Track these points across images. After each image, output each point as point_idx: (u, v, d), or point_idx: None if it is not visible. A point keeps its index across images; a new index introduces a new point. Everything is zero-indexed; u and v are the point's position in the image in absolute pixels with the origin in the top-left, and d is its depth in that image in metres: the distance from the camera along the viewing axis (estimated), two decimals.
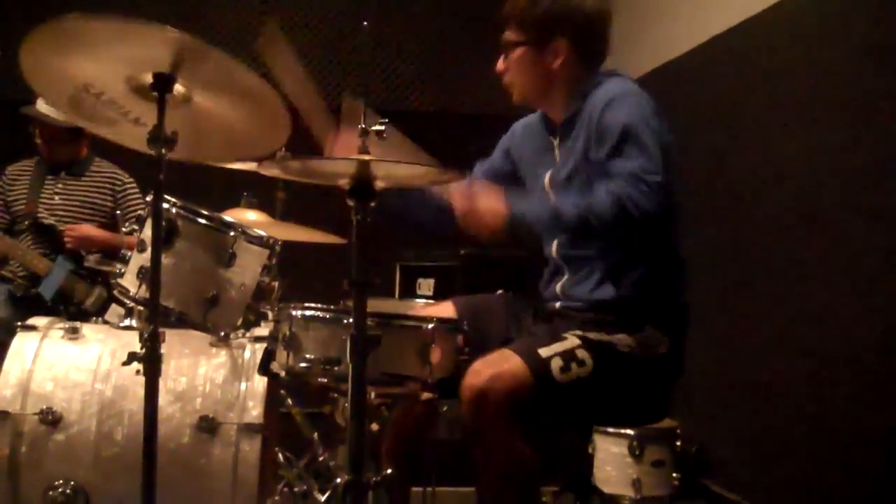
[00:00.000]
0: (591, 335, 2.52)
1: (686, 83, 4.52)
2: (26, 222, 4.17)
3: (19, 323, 2.89)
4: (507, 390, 2.38)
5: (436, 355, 2.39)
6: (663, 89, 4.56)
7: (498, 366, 2.41)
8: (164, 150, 2.29)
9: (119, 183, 4.28)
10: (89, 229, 4.14)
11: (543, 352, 2.46)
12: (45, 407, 2.71)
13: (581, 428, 2.88)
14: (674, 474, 4.31)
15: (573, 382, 2.46)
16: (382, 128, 2.23)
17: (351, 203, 2.18)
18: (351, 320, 2.18)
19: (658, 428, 4.19)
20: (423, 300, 2.77)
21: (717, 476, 4.26)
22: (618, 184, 2.41)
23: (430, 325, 2.40)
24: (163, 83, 2.27)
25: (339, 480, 2.22)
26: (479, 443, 2.41)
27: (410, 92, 5.59)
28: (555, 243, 2.74)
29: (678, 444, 4.34)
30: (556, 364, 2.45)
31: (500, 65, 2.77)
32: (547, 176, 2.74)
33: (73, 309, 3.96)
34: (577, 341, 2.50)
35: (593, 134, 2.56)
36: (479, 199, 2.53)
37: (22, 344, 2.81)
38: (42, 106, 4.06)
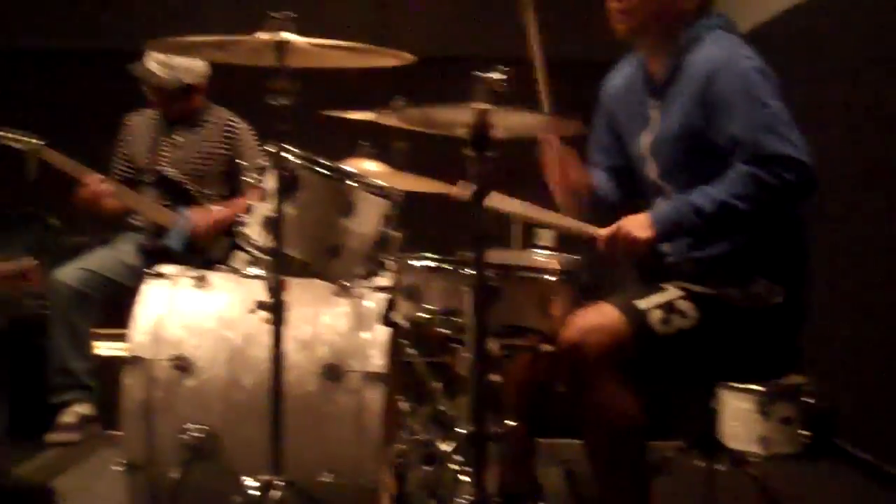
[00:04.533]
0: (696, 287, 2.44)
1: (814, 33, 4.32)
2: (150, 176, 4.24)
3: (147, 270, 2.97)
4: (602, 344, 2.34)
5: (557, 307, 2.37)
6: (789, 39, 4.39)
7: (593, 319, 2.38)
8: (285, 101, 2.31)
9: (233, 130, 4.28)
10: (207, 217, 4.14)
11: (641, 303, 2.41)
12: (176, 353, 2.78)
13: (701, 382, 2.82)
14: (803, 432, 4.20)
15: (677, 335, 2.40)
16: (504, 77, 2.20)
17: (469, 153, 2.16)
18: (471, 271, 2.17)
19: (787, 384, 4.06)
20: (544, 251, 2.73)
21: (848, 435, 4.14)
22: (755, 162, 2.34)
23: (552, 277, 2.37)
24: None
25: (461, 431, 2.24)
26: (578, 397, 2.39)
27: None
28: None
29: (808, 401, 4.22)
30: (656, 316, 2.39)
31: None
32: (645, 139, 2.64)
33: (199, 258, 4.05)
34: (678, 292, 2.44)
35: (699, 102, 2.46)
36: (622, 233, 2.47)
37: (153, 291, 2.89)
38: (150, 63, 4.09)
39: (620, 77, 2.78)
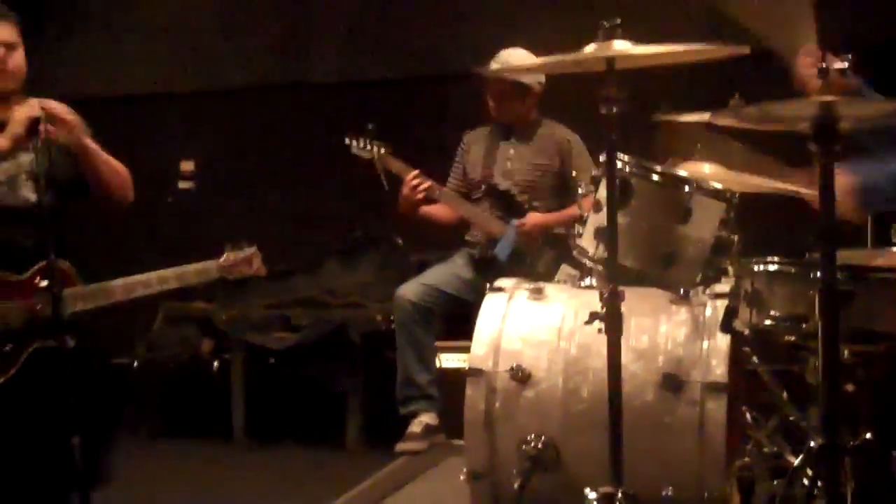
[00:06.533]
0: None
1: None
2: (483, 188, 4.41)
3: (489, 284, 3.05)
4: None
5: None
6: None
7: None
8: (615, 109, 2.29)
9: (565, 143, 4.37)
10: (537, 219, 4.25)
11: None
12: (515, 364, 2.82)
13: None
14: None
15: None
16: (846, 65, 2.07)
17: (814, 148, 2.04)
18: (819, 274, 2.05)
19: None
20: None
21: None
22: None
23: None
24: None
25: (812, 444, 2.12)
26: None
27: None
28: None
29: None
30: None
31: None
32: None
33: (525, 269, 4.12)
34: None
35: None
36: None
37: (491, 305, 2.96)
38: (492, 65, 4.28)
39: None
